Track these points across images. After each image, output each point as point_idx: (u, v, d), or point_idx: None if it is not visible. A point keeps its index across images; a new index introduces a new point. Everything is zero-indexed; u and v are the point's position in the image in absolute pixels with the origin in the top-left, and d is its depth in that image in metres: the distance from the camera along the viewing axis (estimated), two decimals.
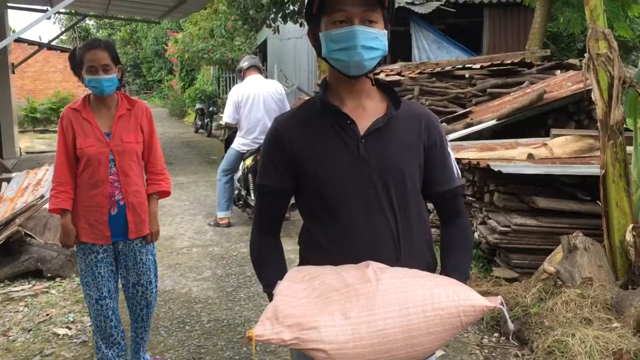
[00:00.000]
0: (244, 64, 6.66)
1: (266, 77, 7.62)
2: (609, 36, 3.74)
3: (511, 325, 1.45)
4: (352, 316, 1.39)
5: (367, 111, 1.66)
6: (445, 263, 1.70)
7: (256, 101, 6.33)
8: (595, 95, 3.82)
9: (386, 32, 1.61)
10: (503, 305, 1.40)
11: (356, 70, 1.59)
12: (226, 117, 6.62)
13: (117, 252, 3.11)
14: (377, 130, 1.63)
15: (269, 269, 1.68)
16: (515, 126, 6.76)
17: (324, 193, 1.64)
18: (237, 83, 6.90)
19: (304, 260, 1.71)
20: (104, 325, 3.10)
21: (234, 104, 6.38)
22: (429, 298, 1.40)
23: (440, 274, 1.65)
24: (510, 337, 3.75)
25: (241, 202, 6.87)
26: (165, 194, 3.24)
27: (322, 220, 1.66)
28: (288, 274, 1.57)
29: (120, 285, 3.23)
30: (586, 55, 3.83)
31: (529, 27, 11.29)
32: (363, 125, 1.64)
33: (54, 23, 40.65)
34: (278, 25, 11.91)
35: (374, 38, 1.57)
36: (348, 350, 1.36)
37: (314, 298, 1.45)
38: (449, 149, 1.74)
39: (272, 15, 11.40)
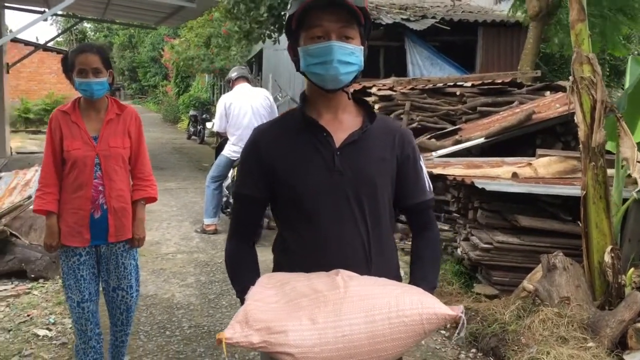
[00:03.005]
0: (232, 74, 6.79)
1: (261, 87, 7.70)
2: (593, 60, 3.82)
3: (463, 332, 1.50)
4: (320, 321, 1.43)
5: (343, 124, 1.71)
6: (414, 272, 1.75)
7: (245, 109, 6.43)
8: (578, 118, 3.89)
9: (362, 48, 1.66)
10: (463, 314, 1.46)
11: (332, 84, 1.64)
12: (216, 125, 6.73)
13: (99, 256, 3.12)
14: (352, 143, 1.68)
15: (242, 275, 1.71)
16: (504, 145, 6.84)
17: (299, 203, 1.68)
18: (226, 92, 7.03)
19: (278, 267, 1.76)
20: (84, 328, 3.11)
21: (222, 113, 6.48)
22: (394, 306, 1.45)
23: (409, 282, 1.70)
24: (486, 352, 3.79)
25: (229, 209, 6.90)
26: (152, 199, 3.26)
27: (296, 229, 1.70)
28: (260, 280, 1.61)
29: (101, 289, 3.25)
30: (570, 78, 3.91)
31: (522, 48, 11.42)
32: (339, 137, 1.68)
33: (51, 24, 40.84)
34: (277, 36, 12.00)
35: (350, 53, 1.62)
36: (314, 355, 1.41)
37: (284, 303, 1.49)
38: (422, 163, 1.79)
39: (271, 27, 11.51)
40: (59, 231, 3.01)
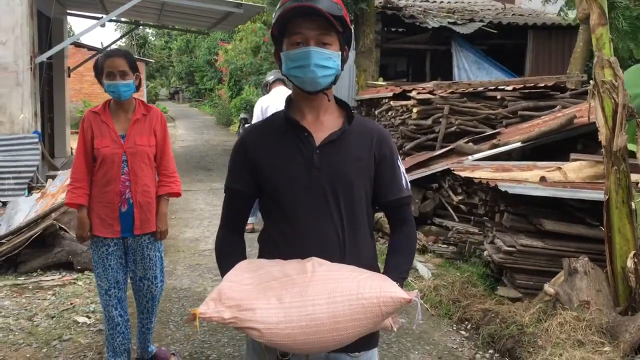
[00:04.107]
0: (269, 77, 6.96)
1: None
2: (614, 64, 3.81)
3: (420, 315, 1.61)
4: (286, 301, 1.57)
5: (324, 125, 1.84)
6: (387, 262, 1.87)
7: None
8: (599, 122, 3.88)
9: (340, 53, 1.80)
10: (418, 298, 1.57)
11: (311, 86, 1.77)
12: None
13: (126, 247, 3.35)
14: (332, 142, 1.81)
15: (228, 263, 1.84)
16: (545, 149, 6.77)
17: (279, 198, 1.82)
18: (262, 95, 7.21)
19: (261, 256, 1.90)
20: (111, 314, 3.34)
21: (259, 115, 6.67)
22: (355, 289, 1.58)
23: (382, 271, 1.82)
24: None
25: None
26: (175, 195, 3.48)
27: (277, 222, 1.85)
28: (240, 264, 1.76)
29: (129, 279, 3.48)
30: (591, 82, 3.90)
31: (572, 51, 11.21)
32: (319, 137, 1.82)
33: (116, 30, 42.37)
34: None
35: (327, 58, 1.75)
36: (279, 331, 1.55)
37: (257, 285, 1.64)
38: (399, 162, 1.90)
39: None
40: (90, 223, 3.26)
